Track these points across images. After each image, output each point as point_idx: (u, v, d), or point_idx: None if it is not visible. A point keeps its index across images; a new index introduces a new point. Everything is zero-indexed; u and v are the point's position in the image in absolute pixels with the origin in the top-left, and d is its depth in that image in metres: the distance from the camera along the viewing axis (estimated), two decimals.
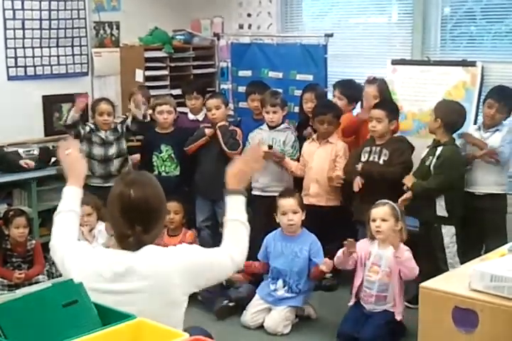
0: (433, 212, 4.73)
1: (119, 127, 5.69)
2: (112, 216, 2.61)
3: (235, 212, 2.77)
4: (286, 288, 4.71)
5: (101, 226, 5.12)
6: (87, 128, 5.65)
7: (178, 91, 6.75)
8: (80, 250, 2.66)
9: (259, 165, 3.00)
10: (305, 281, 4.71)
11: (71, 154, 2.97)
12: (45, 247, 5.49)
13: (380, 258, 4.45)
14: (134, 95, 5.85)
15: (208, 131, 5.57)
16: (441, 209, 4.72)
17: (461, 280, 3.13)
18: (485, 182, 4.85)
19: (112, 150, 5.64)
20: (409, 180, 4.76)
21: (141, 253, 2.54)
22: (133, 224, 2.53)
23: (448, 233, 4.73)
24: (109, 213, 2.64)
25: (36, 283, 5.00)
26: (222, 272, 2.70)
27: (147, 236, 2.55)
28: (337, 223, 5.18)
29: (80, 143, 5.67)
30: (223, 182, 5.91)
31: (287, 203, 4.74)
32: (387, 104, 5.12)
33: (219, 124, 5.57)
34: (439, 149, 4.72)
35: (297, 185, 5.45)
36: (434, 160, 4.70)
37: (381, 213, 4.42)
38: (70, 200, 2.89)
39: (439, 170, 4.68)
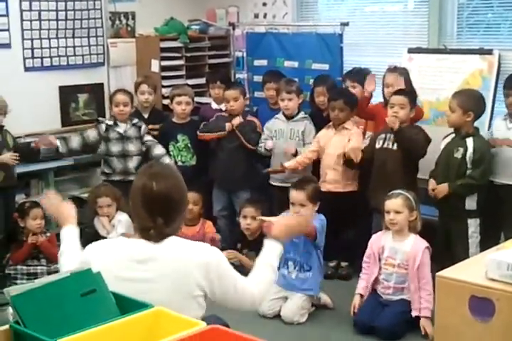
0: (462, 206, 4.69)
1: (138, 123, 5.66)
2: (134, 208, 2.62)
3: (271, 257, 2.87)
4: (297, 268, 4.69)
5: (120, 216, 5.16)
6: (103, 126, 5.62)
7: (193, 81, 6.76)
8: (99, 243, 2.68)
9: (305, 229, 3.27)
10: (314, 259, 4.69)
11: (50, 200, 3.15)
12: None
13: (395, 252, 4.44)
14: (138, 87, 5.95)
15: (228, 126, 5.57)
16: (471, 203, 4.68)
17: (477, 269, 3.12)
18: (507, 172, 4.80)
19: (132, 147, 5.58)
20: (442, 190, 4.70)
21: (163, 244, 2.56)
22: (155, 217, 2.54)
23: (473, 223, 4.70)
24: (131, 205, 2.65)
25: (55, 272, 5.05)
26: (239, 290, 2.67)
27: (169, 229, 2.57)
28: (354, 210, 5.19)
29: (99, 143, 5.66)
30: (240, 173, 5.92)
31: (296, 196, 4.69)
32: (409, 91, 5.11)
33: (235, 124, 5.56)
34: (469, 141, 4.65)
35: (315, 172, 5.44)
36: (470, 152, 4.63)
37: (394, 205, 4.41)
38: (70, 240, 2.96)
39: (481, 164, 4.63)
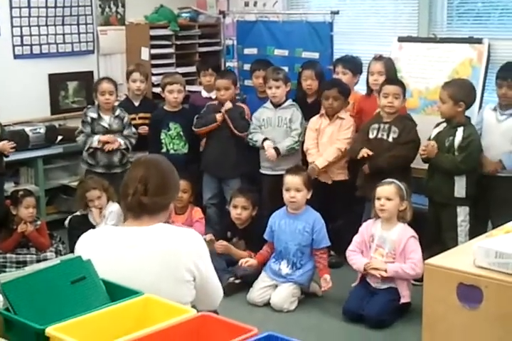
0: (451, 194, 4.70)
1: (121, 114, 5.62)
2: (123, 186, 2.66)
3: None
4: (290, 266, 4.73)
5: (111, 207, 5.15)
6: (89, 119, 5.56)
7: (183, 70, 6.74)
8: (88, 234, 2.68)
9: None
10: (307, 258, 4.73)
11: None
12: (52, 225, 5.59)
13: (383, 241, 4.46)
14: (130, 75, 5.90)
15: (218, 116, 5.56)
16: (460, 190, 4.68)
17: (465, 256, 3.14)
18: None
19: None
20: (433, 148, 4.73)
21: (151, 229, 2.56)
22: (135, 184, 2.59)
23: (462, 212, 4.73)
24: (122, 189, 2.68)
25: (44, 260, 5.05)
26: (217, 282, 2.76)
27: (146, 199, 2.57)
28: (344, 198, 5.22)
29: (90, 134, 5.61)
30: (231, 161, 5.94)
31: (292, 180, 4.74)
32: (399, 81, 5.12)
33: (226, 108, 5.56)
34: (460, 130, 4.66)
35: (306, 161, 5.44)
36: (459, 140, 4.64)
37: (386, 192, 4.42)
38: None
39: (466, 150, 4.63)
